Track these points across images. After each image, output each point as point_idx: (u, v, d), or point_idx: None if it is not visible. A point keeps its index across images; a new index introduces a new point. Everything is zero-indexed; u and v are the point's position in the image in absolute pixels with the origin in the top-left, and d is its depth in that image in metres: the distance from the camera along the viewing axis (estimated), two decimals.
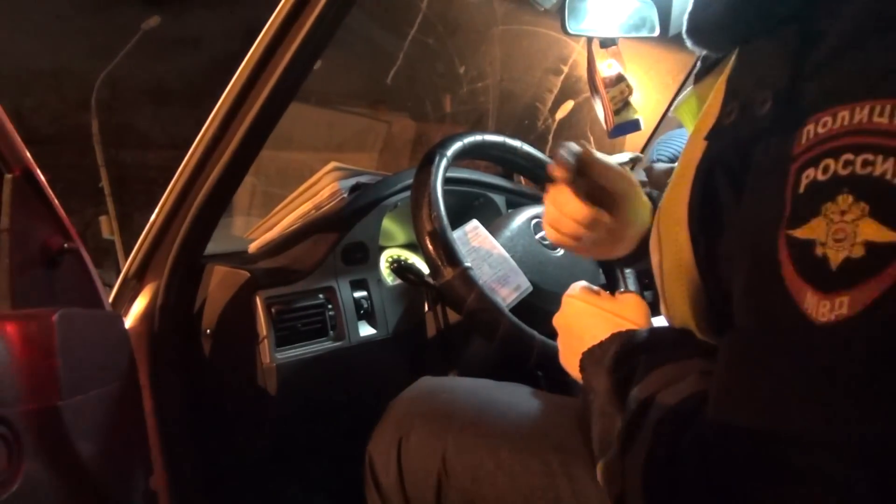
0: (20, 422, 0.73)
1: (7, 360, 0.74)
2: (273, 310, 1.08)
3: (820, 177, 0.39)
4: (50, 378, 0.78)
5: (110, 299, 1.04)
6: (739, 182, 0.47)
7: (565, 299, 0.76)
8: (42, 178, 0.87)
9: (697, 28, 0.55)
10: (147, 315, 1.03)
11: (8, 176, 0.83)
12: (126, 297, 1.05)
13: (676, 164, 0.57)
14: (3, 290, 0.82)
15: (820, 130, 0.39)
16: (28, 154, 0.85)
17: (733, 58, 0.52)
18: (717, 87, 0.52)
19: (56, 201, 0.89)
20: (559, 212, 0.81)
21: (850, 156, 0.37)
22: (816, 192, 0.39)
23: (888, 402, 0.36)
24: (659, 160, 1.63)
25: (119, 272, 1.10)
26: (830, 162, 0.38)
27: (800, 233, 0.39)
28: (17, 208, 0.83)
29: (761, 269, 0.42)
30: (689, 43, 0.57)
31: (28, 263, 0.85)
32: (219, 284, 1.10)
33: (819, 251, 0.38)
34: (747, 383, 0.41)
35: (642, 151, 1.99)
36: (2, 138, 0.82)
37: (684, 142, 0.60)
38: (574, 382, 0.72)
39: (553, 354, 0.78)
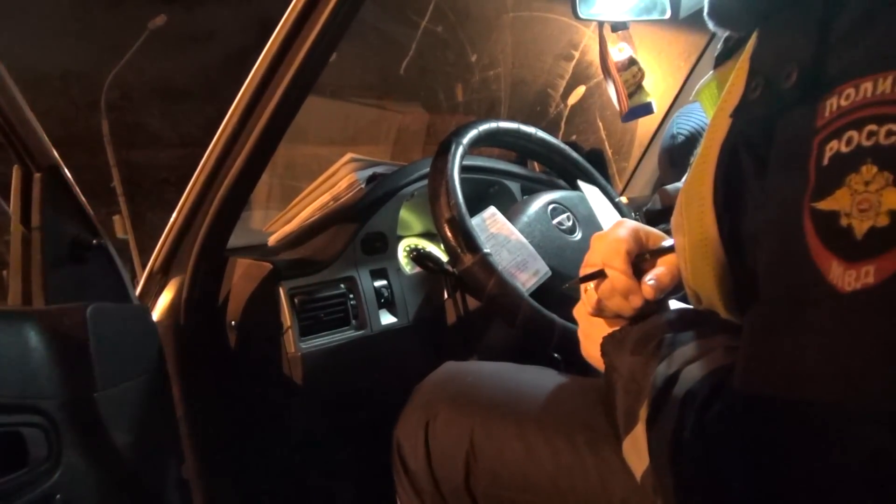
0: (59, 413, 0.75)
1: (43, 353, 0.76)
2: (296, 300, 1.10)
3: (843, 149, 0.39)
4: (84, 370, 0.80)
5: (136, 293, 1.07)
6: (763, 158, 0.47)
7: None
8: (69, 176, 0.89)
9: (719, 7, 0.55)
10: (173, 308, 1.05)
11: (37, 175, 0.85)
12: (152, 292, 1.07)
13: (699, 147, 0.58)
14: (36, 285, 0.85)
15: (843, 103, 0.40)
16: (55, 153, 0.87)
17: (753, 37, 0.52)
18: (739, 66, 0.53)
19: (83, 199, 0.91)
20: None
21: (873, 126, 0.38)
22: (840, 163, 0.39)
23: None
24: (679, 133, 1.62)
25: (134, 271, 1.11)
26: (854, 133, 0.39)
27: (824, 204, 0.40)
28: (47, 206, 0.86)
29: (786, 241, 0.42)
30: (710, 24, 0.57)
31: (59, 260, 0.88)
32: (242, 277, 1.11)
33: (844, 222, 0.38)
34: (775, 354, 0.42)
35: (655, 133, 1.98)
36: (30, 138, 0.84)
37: (703, 114, 0.60)
38: (595, 367, 0.72)
39: (573, 337, 0.78)
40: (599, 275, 0.71)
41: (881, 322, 0.37)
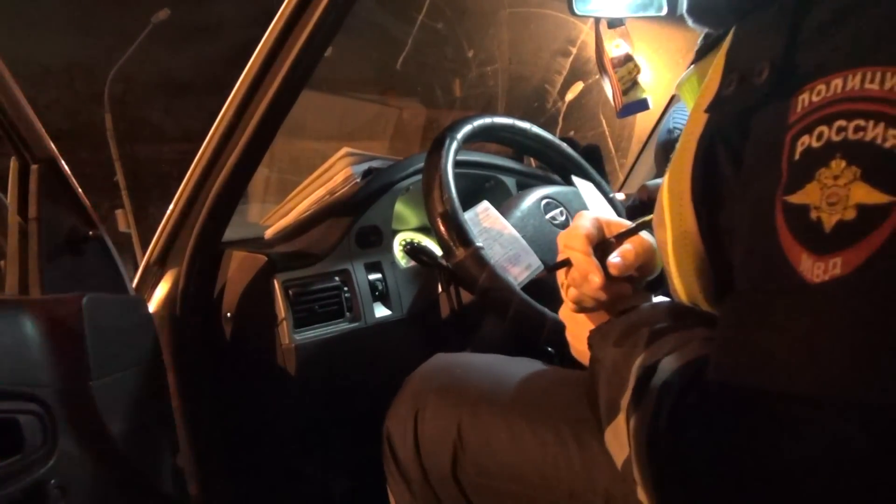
0: (54, 401, 0.77)
1: (40, 342, 0.77)
2: (290, 292, 1.11)
3: (814, 143, 0.40)
4: (80, 360, 0.81)
5: (133, 285, 1.08)
6: (738, 153, 0.48)
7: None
8: (66, 168, 0.90)
9: (697, 5, 0.56)
10: (169, 300, 1.06)
11: (34, 166, 0.86)
12: (149, 283, 1.08)
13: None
14: (33, 276, 0.86)
15: (814, 99, 0.41)
16: (52, 144, 0.88)
17: (731, 33, 0.53)
18: (717, 62, 0.54)
19: (80, 191, 0.92)
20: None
21: (842, 122, 0.39)
22: (811, 158, 0.40)
23: (881, 357, 0.37)
24: (676, 128, 1.63)
25: (136, 265, 1.12)
26: (824, 129, 0.40)
27: (795, 198, 0.41)
28: (44, 198, 0.87)
29: (759, 234, 0.43)
30: (689, 21, 0.58)
31: (55, 251, 0.89)
32: (237, 269, 1.12)
33: (813, 215, 0.39)
34: (746, 344, 0.43)
35: (653, 130, 1.99)
36: (27, 130, 0.85)
37: None
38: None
39: (564, 331, 0.80)
40: (565, 263, 0.73)
41: (846, 313, 0.38)
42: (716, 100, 0.50)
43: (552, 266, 0.76)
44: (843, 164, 0.38)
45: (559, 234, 0.77)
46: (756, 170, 0.45)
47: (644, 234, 0.75)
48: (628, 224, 0.76)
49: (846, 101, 0.39)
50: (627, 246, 0.72)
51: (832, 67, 0.40)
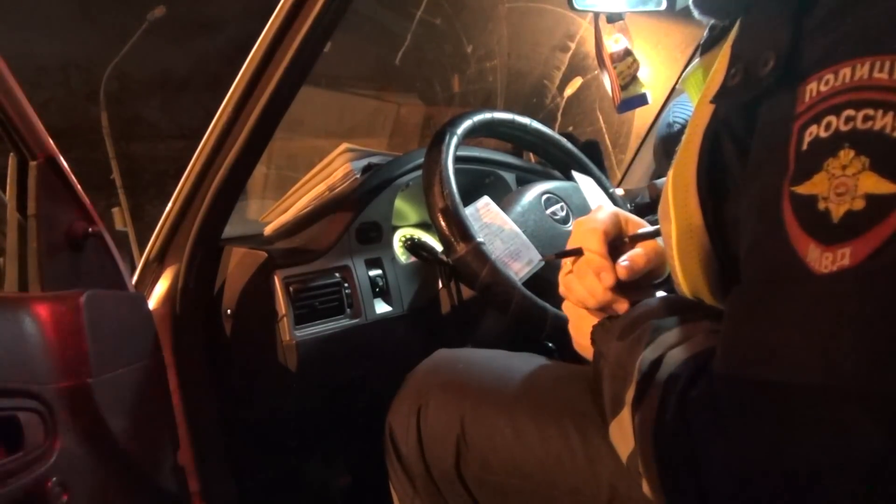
0: (54, 398, 0.76)
1: (39, 339, 0.77)
2: (291, 289, 1.11)
3: (822, 133, 0.40)
4: (80, 356, 0.80)
5: (133, 282, 1.07)
6: (744, 144, 0.48)
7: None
8: (65, 164, 0.90)
9: None
10: (169, 296, 1.05)
11: (32, 163, 0.86)
12: (148, 280, 1.08)
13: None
14: (32, 273, 0.85)
15: (822, 88, 0.41)
16: (51, 141, 0.87)
17: (737, 25, 0.53)
18: (722, 53, 0.53)
19: (79, 187, 0.91)
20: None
21: (851, 111, 0.39)
22: (819, 148, 0.40)
23: (890, 348, 0.37)
24: (675, 122, 1.63)
25: (133, 263, 1.12)
26: (832, 118, 0.40)
27: (803, 188, 0.40)
28: (43, 194, 0.86)
29: (766, 225, 0.43)
30: (695, 12, 0.58)
31: (55, 247, 0.88)
32: (237, 265, 1.12)
33: (821, 205, 0.39)
34: (753, 336, 0.43)
35: (652, 125, 1.98)
36: (25, 126, 0.84)
37: None
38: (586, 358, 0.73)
39: (566, 326, 0.79)
40: (576, 252, 0.73)
41: (856, 303, 0.38)
42: (721, 90, 0.50)
43: (561, 253, 0.75)
44: (852, 153, 0.38)
45: (576, 221, 0.77)
46: (762, 161, 0.45)
47: (659, 239, 0.74)
48: (645, 224, 0.75)
49: (855, 90, 0.39)
50: (639, 250, 0.72)
51: (840, 56, 0.40)
